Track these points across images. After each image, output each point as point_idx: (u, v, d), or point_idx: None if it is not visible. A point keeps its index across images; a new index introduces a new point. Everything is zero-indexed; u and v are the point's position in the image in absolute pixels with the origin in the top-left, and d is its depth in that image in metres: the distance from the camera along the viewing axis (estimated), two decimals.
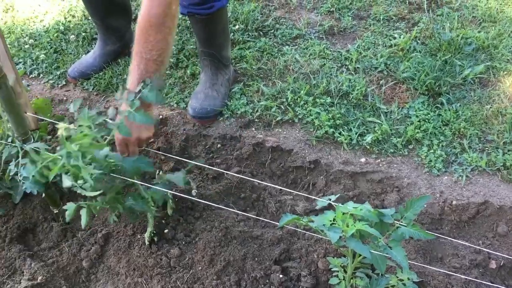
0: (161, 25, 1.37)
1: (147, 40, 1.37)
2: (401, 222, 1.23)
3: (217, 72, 2.06)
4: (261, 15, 2.55)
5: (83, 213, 1.38)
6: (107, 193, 1.38)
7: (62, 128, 1.28)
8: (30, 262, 1.60)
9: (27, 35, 2.55)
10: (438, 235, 1.48)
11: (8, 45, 2.48)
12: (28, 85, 2.27)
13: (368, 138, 1.85)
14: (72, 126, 1.31)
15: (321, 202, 1.35)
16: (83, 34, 2.52)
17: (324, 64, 2.21)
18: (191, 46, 2.36)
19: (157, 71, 1.39)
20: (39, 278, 1.55)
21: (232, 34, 2.40)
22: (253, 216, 1.65)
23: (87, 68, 2.25)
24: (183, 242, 1.64)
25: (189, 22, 2.49)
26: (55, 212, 1.74)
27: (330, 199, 1.32)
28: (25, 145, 1.48)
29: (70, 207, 1.38)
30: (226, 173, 1.82)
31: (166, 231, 1.66)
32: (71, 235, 1.72)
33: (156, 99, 1.34)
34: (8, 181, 1.67)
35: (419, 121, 1.91)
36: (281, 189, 1.78)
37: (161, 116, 2.01)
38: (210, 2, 1.83)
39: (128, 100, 1.34)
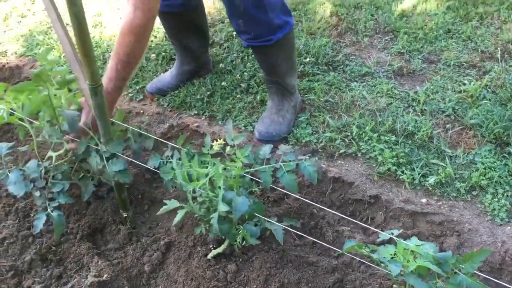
0: (141, 35, 1.65)
1: (127, 45, 1.63)
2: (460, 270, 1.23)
3: (283, 99, 2.14)
4: (332, 50, 2.63)
5: (180, 213, 1.47)
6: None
7: (216, 145, 1.40)
8: (97, 260, 1.71)
9: (112, 51, 2.74)
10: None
11: (95, 58, 2.69)
12: None
13: (431, 179, 1.86)
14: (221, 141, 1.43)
15: (383, 235, 1.37)
16: (163, 54, 2.69)
17: (391, 103, 2.25)
18: (262, 74, 2.46)
19: (131, 71, 1.68)
20: (105, 276, 1.65)
21: (302, 66, 2.49)
22: (312, 238, 1.69)
23: (164, 85, 2.40)
24: (240, 260, 1.70)
25: None
26: (124, 215, 1.85)
27: (392, 233, 1.35)
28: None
29: (172, 204, 1.47)
30: (287, 197, 1.88)
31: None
32: (135, 239, 1.83)
33: (313, 177, 1.43)
34: (79, 179, 1.81)
35: (484, 168, 1.90)
36: (339, 220, 1.81)
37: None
38: (267, 35, 1.92)
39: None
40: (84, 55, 1.37)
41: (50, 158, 1.79)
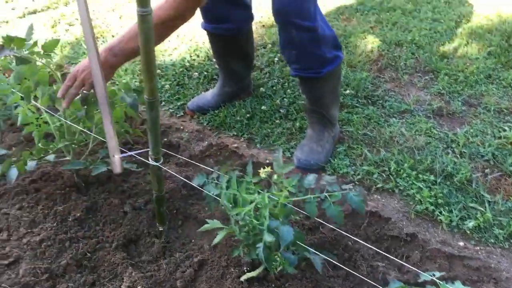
0: (171, 28, 1.71)
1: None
2: None
3: (323, 129, 2.17)
4: (371, 85, 2.66)
5: (221, 234, 1.49)
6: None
7: (263, 172, 1.43)
8: (131, 270, 1.72)
9: (157, 66, 2.81)
10: None
11: (138, 72, 2.76)
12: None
13: (470, 223, 1.85)
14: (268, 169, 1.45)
15: (424, 276, 1.36)
16: (205, 73, 2.74)
17: (430, 142, 2.25)
18: (302, 102, 2.50)
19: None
20: (138, 287, 1.66)
21: (342, 97, 2.52)
22: (347, 269, 1.68)
23: (205, 104, 2.45)
24: (273, 285, 1.70)
25: None
26: (160, 229, 1.87)
27: (433, 275, 1.34)
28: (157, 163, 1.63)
29: (214, 224, 1.48)
30: (322, 227, 1.88)
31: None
32: (169, 254, 1.84)
33: (360, 208, 1.43)
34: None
35: None
36: (374, 255, 1.80)
37: (267, 161, 2.13)
38: (317, 68, 1.97)
39: None
40: (146, 70, 1.40)
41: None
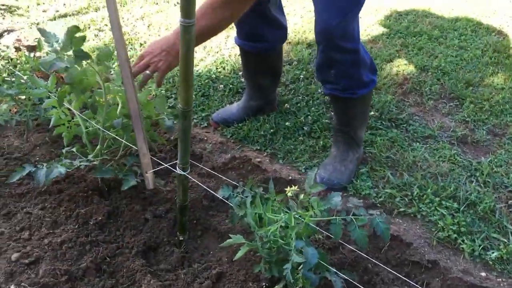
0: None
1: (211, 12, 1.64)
2: None
3: (348, 149, 2.16)
4: (395, 108, 2.65)
5: (243, 250, 1.48)
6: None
7: (290, 191, 1.43)
8: (149, 278, 1.71)
9: None
10: None
11: (165, 80, 2.79)
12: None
13: (492, 254, 1.82)
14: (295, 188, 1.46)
15: None
16: (230, 86, 2.77)
17: (453, 169, 2.23)
18: (326, 120, 2.50)
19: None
20: None
21: None
22: None
23: (229, 116, 2.46)
24: None
25: (327, 98, 2.67)
26: (180, 239, 1.87)
27: None
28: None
29: (237, 239, 1.48)
30: (343, 247, 1.87)
31: (276, 286, 1.72)
32: (187, 264, 1.83)
33: (385, 235, 1.43)
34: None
35: None
36: (393, 279, 1.79)
37: (290, 177, 2.13)
38: (353, 89, 1.98)
39: None
40: (184, 80, 1.42)
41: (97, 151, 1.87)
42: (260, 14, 2.15)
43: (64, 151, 1.88)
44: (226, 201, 1.59)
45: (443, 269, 1.80)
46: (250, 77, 2.41)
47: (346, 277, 1.58)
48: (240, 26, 2.23)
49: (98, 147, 1.85)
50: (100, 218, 1.92)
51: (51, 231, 1.86)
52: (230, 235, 1.53)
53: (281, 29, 2.27)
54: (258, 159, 2.23)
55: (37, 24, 3.51)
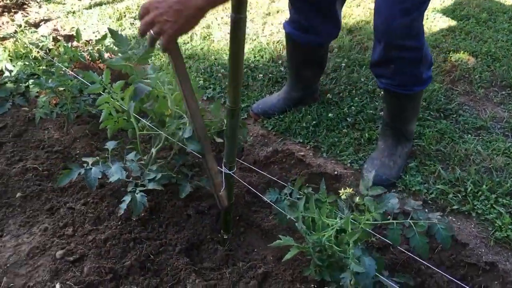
0: None
1: None
2: None
3: (397, 144, 2.06)
4: (444, 97, 2.52)
5: (292, 251, 1.42)
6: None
7: (344, 193, 1.37)
8: (194, 277, 1.68)
9: (219, 64, 2.77)
10: None
11: (202, 70, 2.73)
12: None
13: None
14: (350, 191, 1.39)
15: None
16: (269, 75, 2.68)
17: (509, 163, 2.11)
18: (370, 111, 2.40)
19: None
20: None
21: None
22: None
23: (270, 108, 2.39)
24: None
25: (371, 87, 2.55)
26: (224, 237, 1.82)
27: None
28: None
29: (287, 241, 1.42)
30: (393, 247, 1.79)
31: None
32: (232, 262, 1.79)
33: (446, 243, 1.34)
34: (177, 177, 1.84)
35: None
36: (448, 282, 1.69)
37: (336, 172, 2.04)
38: (410, 85, 1.87)
39: None
40: (234, 79, 1.35)
41: (151, 154, 1.82)
42: (320, 8, 2.04)
43: (109, 149, 1.83)
44: (273, 205, 1.52)
45: (502, 272, 1.69)
46: (294, 67, 2.32)
47: (401, 281, 1.50)
48: (295, 14, 2.12)
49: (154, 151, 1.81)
50: (142, 214, 1.88)
51: (94, 228, 1.84)
52: (280, 236, 1.47)
53: (336, 23, 2.16)
54: (301, 153, 2.15)
55: (73, 13, 3.49)
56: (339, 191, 1.40)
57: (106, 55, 2.84)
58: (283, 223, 1.55)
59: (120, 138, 2.29)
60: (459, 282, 1.50)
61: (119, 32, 1.55)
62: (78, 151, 2.24)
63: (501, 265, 1.71)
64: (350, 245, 1.25)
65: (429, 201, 1.95)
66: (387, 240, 1.37)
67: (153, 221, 1.89)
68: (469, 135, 2.28)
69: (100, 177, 1.76)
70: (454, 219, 1.89)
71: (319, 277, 1.58)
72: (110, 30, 1.54)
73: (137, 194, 1.66)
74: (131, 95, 1.62)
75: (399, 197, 1.97)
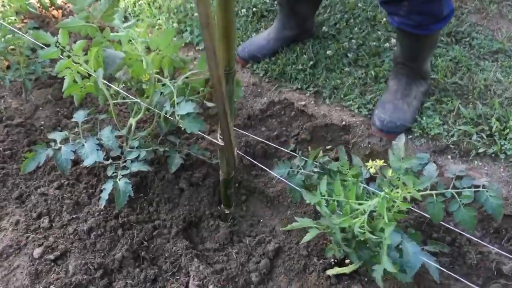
0: None
1: None
2: None
3: (411, 83, 1.80)
4: (454, 18, 2.22)
5: (312, 233, 1.20)
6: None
7: (372, 165, 1.11)
8: (198, 264, 1.46)
9: (193, 1, 2.39)
10: None
11: (174, 10, 2.35)
12: (195, 58, 2.12)
13: None
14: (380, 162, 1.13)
15: None
16: (253, 9, 2.32)
17: None
18: (373, 43, 2.09)
19: None
20: (210, 286, 1.41)
21: None
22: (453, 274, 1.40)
23: (258, 51, 2.06)
24: (366, 279, 1.44)
25: (370, 13, 2.23)
26: (226, 212, 1.59)
27: None
28: None
29: (304, 222, 1.19)
30: (413, 205, 1.58)
31: (347, 261, 1.46)
32: (237, 239, 1.57)
33: (497, 213, 1.11)
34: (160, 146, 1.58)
35: None
36: (481, 237, 1.52)
37: (343, 123, 1.78)
38: (428, 25, 1.57)
39: None
40: (225, 35, 1.04)
41: (129, 126, 1.54)
42: None
43: (79, 122, 1.53)
44: (285, 181, 1.27)
45: None
46: (287, 5, 1.97)
47: (436, 250, 1.31)
48: None
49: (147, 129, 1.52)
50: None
51: (74, 216, 1.59)
52: (296, 218, 1.23)
53: None
54: (302, 102, 1.87)
55: None
56: (367, 164, 1.15)
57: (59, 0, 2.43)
58: (297, 198, 1.32)
59: (90, 106, 1.98)
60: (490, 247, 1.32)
61: None
62: (42, 122, 1.93)
63: None
64: (386, 234, 1.02)
65: (451, 146, 1.72)
66: (426, 215, 1.15)
67: (141, 200, 1.64)
68: (486, 61, 2.02)
69: (72, 157, 1.49)
70: (480, 164, 1.68)
71: (341, 255, 1.38)
72: None
73: (119, 180, 1.38)
74: (100, 63, 1.30)
75: (418, 143, 1.74)
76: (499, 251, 1.33)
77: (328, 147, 1.77)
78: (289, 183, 1.25)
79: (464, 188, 1.12)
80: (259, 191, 1.71)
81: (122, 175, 1.40)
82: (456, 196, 1.11)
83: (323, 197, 1.10)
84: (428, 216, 1.13)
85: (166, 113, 1.27)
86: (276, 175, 1.28)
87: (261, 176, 1.74)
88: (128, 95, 1.50)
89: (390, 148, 1.14)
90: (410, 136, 1.76)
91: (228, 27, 1.02)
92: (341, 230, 1.18)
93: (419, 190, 1.06)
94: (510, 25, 2.21)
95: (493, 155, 1.69)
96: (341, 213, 1.11)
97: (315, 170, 1.23)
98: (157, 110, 1.39)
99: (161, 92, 1.35)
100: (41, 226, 1.57)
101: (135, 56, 1.33)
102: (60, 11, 2.41)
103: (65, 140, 1.53)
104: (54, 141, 1.52)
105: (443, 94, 1.88)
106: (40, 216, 1.60)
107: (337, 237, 1.11)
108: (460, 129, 1.74)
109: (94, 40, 1.28)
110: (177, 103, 1.25)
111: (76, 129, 1.67)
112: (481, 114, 1.78)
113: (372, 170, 1.14)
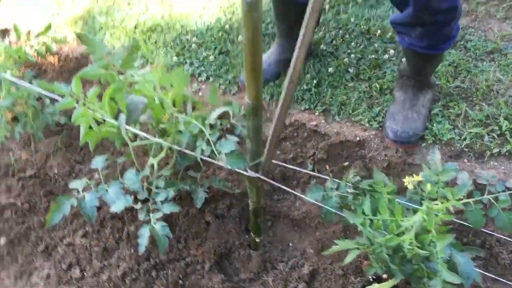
0: None
1: None
2: None
3: (418, 93, 1.83)
4: None
5: (353, 253, 1.21)
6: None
7: (410, 182, 1.12)
8: None
9: (188, 32, 2.42)
10: None
11: (171, 43, 2.37)
12: (199, 89, 2.14)
13: None
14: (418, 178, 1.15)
15: None
16: None
17: None
18: (372, 56, 2.14)
19: None
20: None
21: None
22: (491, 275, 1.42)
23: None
24: None
25: (364, 27, 2.28)
26: (257, 240, 1.59)
27: None
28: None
29: (345, 244, 1.20)
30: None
31: (384, 276, 1.47)
32: (270, 266, 1.58)
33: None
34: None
35: None
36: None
37: (358, 138, 1.81)
38: (439, 45, 1.61)
39: None
40: (253, 70, 1.06)
41: (151, 166, 1.54)
42: None
43: (99, 168, 1.53)
44: (320, 204, 1.28)
45: None
46: (287, 27, 2.00)
47: (472, 255, 1.33)
48: None
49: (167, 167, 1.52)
50: None
51: (105, 263, 1.58)
52: (336, 241, 1.25)
53: None
54: (313, 122, 1.90)
55: None
56: (404, 180, 1.17)
57: (54, 46, 2.43)
58: (331, 220, 1.33)
59: (100, 149, 1.98)
60: None
61: (89, 36, 1.20)
62: (56, 171, 1.92)
63: None
64: (438, 247, 1.04)
65: (465, 149, 1.76)
66: (467, 224, 1.17)
67: (169, 239, 1.63)
68: (484, 62, 2.07)
69: (97, 205, 1.48)
70: (496, 164, 1.71)
71: (383, 272, 1.39)
72: (79, 35, 1.20)
73: (155, 224, 1.38)
74: (113, 106, 1.30)
75: (496, 177, 1.77)
76: None
77: (345, 163, 1.79)
78: (325, 206, 1.26)
79: (499, 192, 1.15)
80: (284, 215, 1.72)
81: (156, 219, 1.39)
82: (494, 201, 1.14)
83: (367, 217, 1.12)
84: (468, 224, 1.15)
85: (202, 152, 1.28)
86: (311, 200, 1.29)
87: (284, 200, 1.76)
88: (147, 136, 1.51)
89: (424, 163, 1.17)
90: (424, 144, 1.79)
91: (256, 62, 1.04)
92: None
93: (458, 200, 1.08)
94: (500, 24, 2.28)
95: (507, 153, 1.73)
96: (384, 232, 1.13)
97: (349, 191, 1.25)
98: (188, 150, 1.39)
99: (191, 131, 1.35)
100: (73, 277, 1.56)
101: (152, 96, 1.35)
102: (56, 56, 2.41)
103: (87, 188, 1.53)
104: (76, 190, 1.51)
105: (448, 99, 1.92)
106: (70, 267, 1.59)
107: (383, 255, 1.13)
108: (471, 132, 1.78)
109: (111, 86, 1.29)
110: (217, 142, 1.26)
111: (96, 175, 1.67)
112: (489, 115, 1.83)
113: (410, 186, 1.16)
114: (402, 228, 1.09)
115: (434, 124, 1.83)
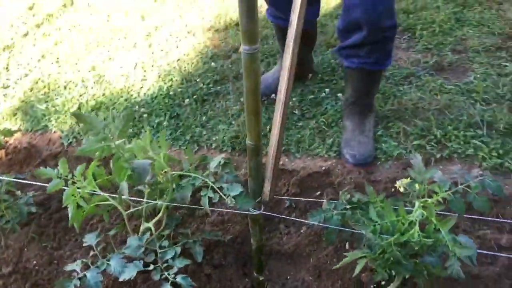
0: None
1: None
2: None
3: (364, 118, 2.09)
4: None
5: (361, 263, 1.34)
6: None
7: (401, 184, 1.28)
8: None
9: (133, 104, 2.51)
10: None
11: (121, 118, 2.44)
12: None
13: None
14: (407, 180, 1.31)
15: None
16: (194, 96, 2.50)
17: (451, 98, 2.27)
18: (311, 96, 2.38)
19: None
20: None
21: (342, 80, 2.45)
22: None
23: (265, 88, 2.31)
24: None
25: None
26: (260, 279, 1.67)
27: None
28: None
29: (353, 255, 1.33)
30: None
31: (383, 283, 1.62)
32: None
33: (499, 191, 1.35)
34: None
35: None
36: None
37: (323, 168, 2.00)
38: (383, 60, 1.92)
39: None
40: (253, 113, 1.22)
41: (147, 230, 1.61)
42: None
43: (93, 244, 1.54)
44: (324, 225, 1.42)
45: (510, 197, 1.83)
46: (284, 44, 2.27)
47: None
48: (275, 6, 2.12)
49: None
50: None
51: None
52: (346, 253, 1.38)
53: (317, 4, 2.20)
54: (280, 163, 2.05)
55: None
56: (396, 184, 1.36)
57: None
58: (332, 240, 1.47)
59: (81, 230, 1.96)
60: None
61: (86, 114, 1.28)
62: (35, 262, 1.86)
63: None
64: (443, 231, 1.22)
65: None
66: (449, 214, 1.38)
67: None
68: (404, 86, 2.40)
69: (102, 279, 1.49)
70: (441, 167, 1.98)
71: (381, 277, 1.54)
72: (75, 114, 1.26)
73: (176, 279, 1.42)
74: (122, 177, 1.36)
75: (387, 166, 2.01)
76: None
77: (318, 193, 1.96)
78: (329, 225, 1.40)
79: (469, 181, 1.37)
80: (275, 251, 1.82)
81: (174, 274, 1.43)
82: (468, 189, 1.36)
83: (376, 223, 1.28)
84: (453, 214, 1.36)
85: (209, 199, 1.37)
86: (313, 222, 1.42)
87: (271, 237, 1.86)
88: (138, 199, 1.56)
89: (413, 165, 1.37)
90: (379, 162, 2.02)
91: (256, 106, 1.19)
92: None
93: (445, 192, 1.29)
94: (405, 52, 2.66)
95: (447, 157, 2.00)
96: (388, 236, 1.29)
97: (347, 207, 1.41)
98: (197, 206, 1.47)
99: (193, 184, 1.44)
100: None
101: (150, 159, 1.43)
102: (3, 150, 2.36)
103: (85, 267, 1.53)
104: (74, 271, 1.51)
105: (386, 121, 2.19)
106: None
107: (394, 254, 1.28)
108: (414, 144, 2.05)
109: (114, 158, 1.36)
110: (224, 187, 1.37)
111: (86, 254, 1.68)
112: (423, 128, 2.12)
113: (401, 189, 1.34)
114: (406, 225, 1.26)
115: (382, 144, 2.08)
